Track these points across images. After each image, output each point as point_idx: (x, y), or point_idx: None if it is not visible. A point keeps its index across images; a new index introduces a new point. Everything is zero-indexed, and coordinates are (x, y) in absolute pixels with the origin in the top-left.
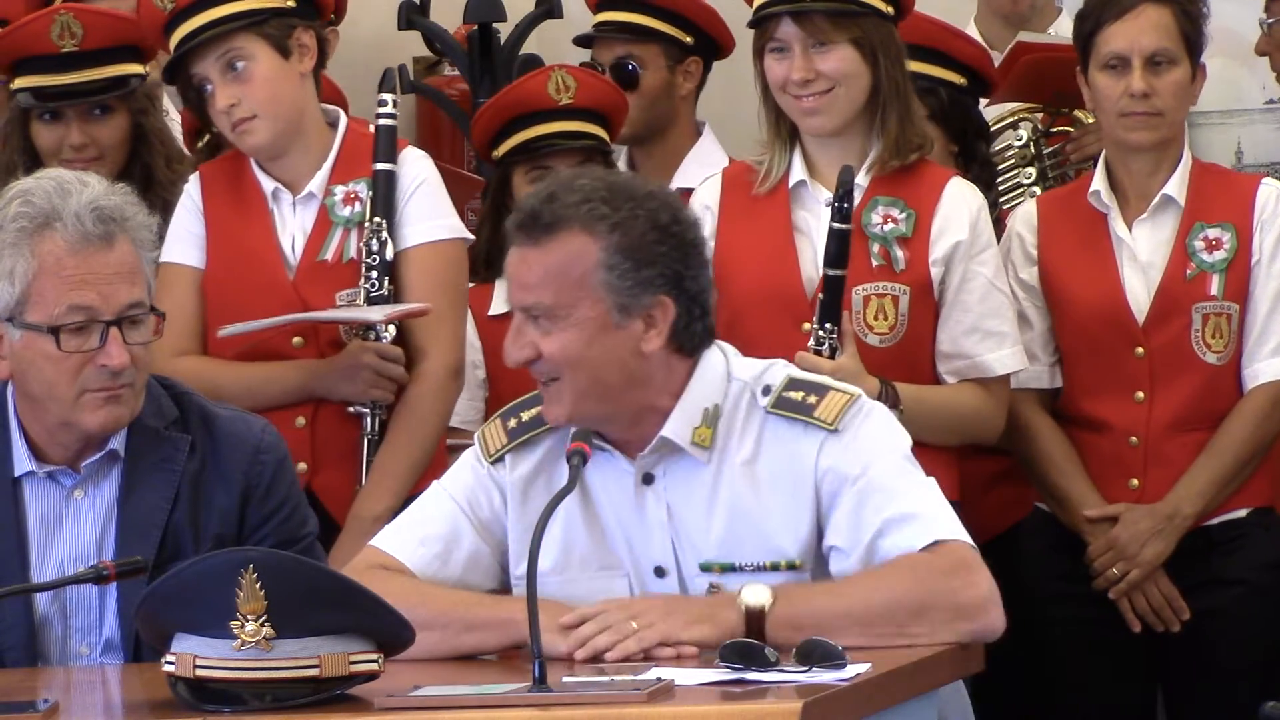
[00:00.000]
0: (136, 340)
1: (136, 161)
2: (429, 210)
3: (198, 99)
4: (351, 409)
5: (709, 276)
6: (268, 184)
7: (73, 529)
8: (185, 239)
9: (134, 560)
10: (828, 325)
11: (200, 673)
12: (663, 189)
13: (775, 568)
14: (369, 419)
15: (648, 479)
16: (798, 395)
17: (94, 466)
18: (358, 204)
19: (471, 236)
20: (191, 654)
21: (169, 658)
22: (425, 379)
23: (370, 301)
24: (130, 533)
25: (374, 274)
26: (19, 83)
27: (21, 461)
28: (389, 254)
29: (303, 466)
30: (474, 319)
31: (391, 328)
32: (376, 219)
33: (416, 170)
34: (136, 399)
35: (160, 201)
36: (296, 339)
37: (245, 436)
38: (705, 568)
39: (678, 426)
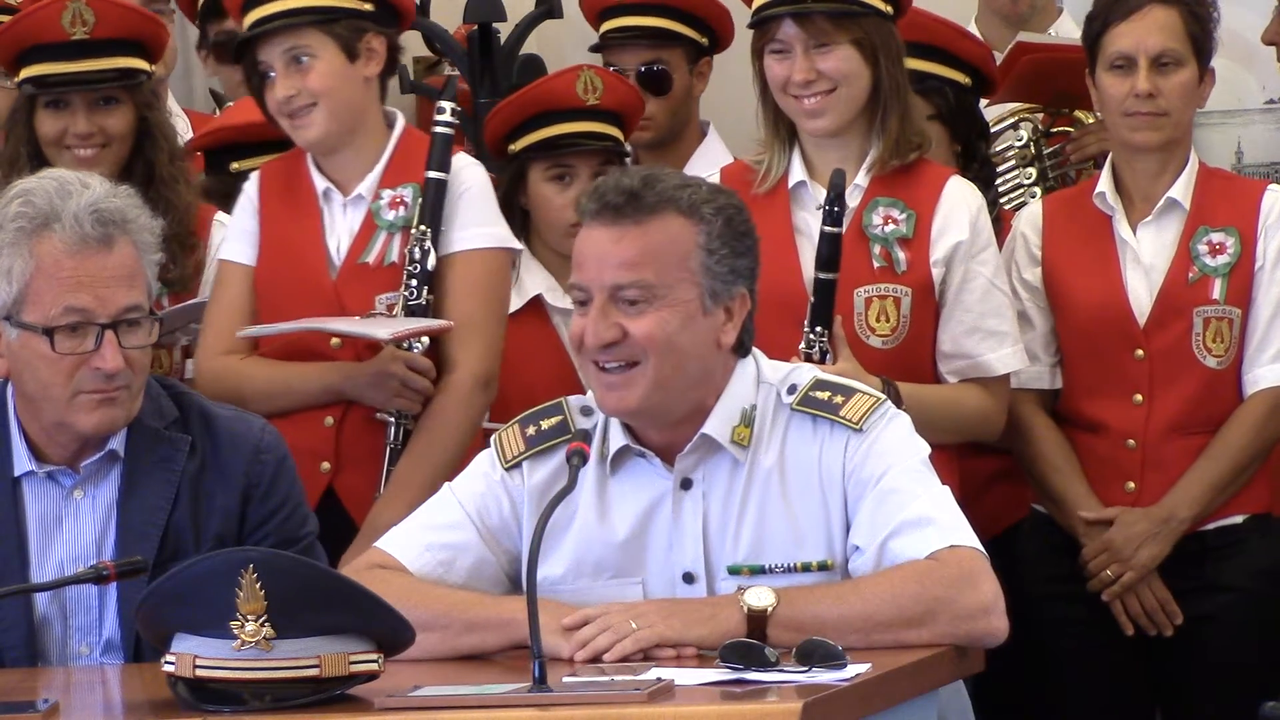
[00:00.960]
0: (133, 344)
1: (140, 158)
2: (476, 218)
3: (259, 84)
4: (378, 415)
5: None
6: (320, 183)
7: (72, 529)
8: (240, 237)
9: (134, 560)
10: (818, 329)
11: (200, 673)
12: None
13: (806, 569)
14: (393, 427)
15: (686, 484)
16: (824, 395)
17: (94, 466)
18: (403, 209)
19: (520, 246)
20: (191, 654)
21: (169, 658)
22: (452, 390)
23: (408, 310)
24: (130, 533)
25: (414, 283)
26: (26, 71)
27: (21, 461)
28: (431, 263)
29: (326, 466)
30: None
31: (425, 338)
32: (422, 227)
33: (466, 177)
34: (133, 401)
35: (161, 199)
36: (335, 340)
37: (245, 436)
38: (734, 571)
39: (718, 425)
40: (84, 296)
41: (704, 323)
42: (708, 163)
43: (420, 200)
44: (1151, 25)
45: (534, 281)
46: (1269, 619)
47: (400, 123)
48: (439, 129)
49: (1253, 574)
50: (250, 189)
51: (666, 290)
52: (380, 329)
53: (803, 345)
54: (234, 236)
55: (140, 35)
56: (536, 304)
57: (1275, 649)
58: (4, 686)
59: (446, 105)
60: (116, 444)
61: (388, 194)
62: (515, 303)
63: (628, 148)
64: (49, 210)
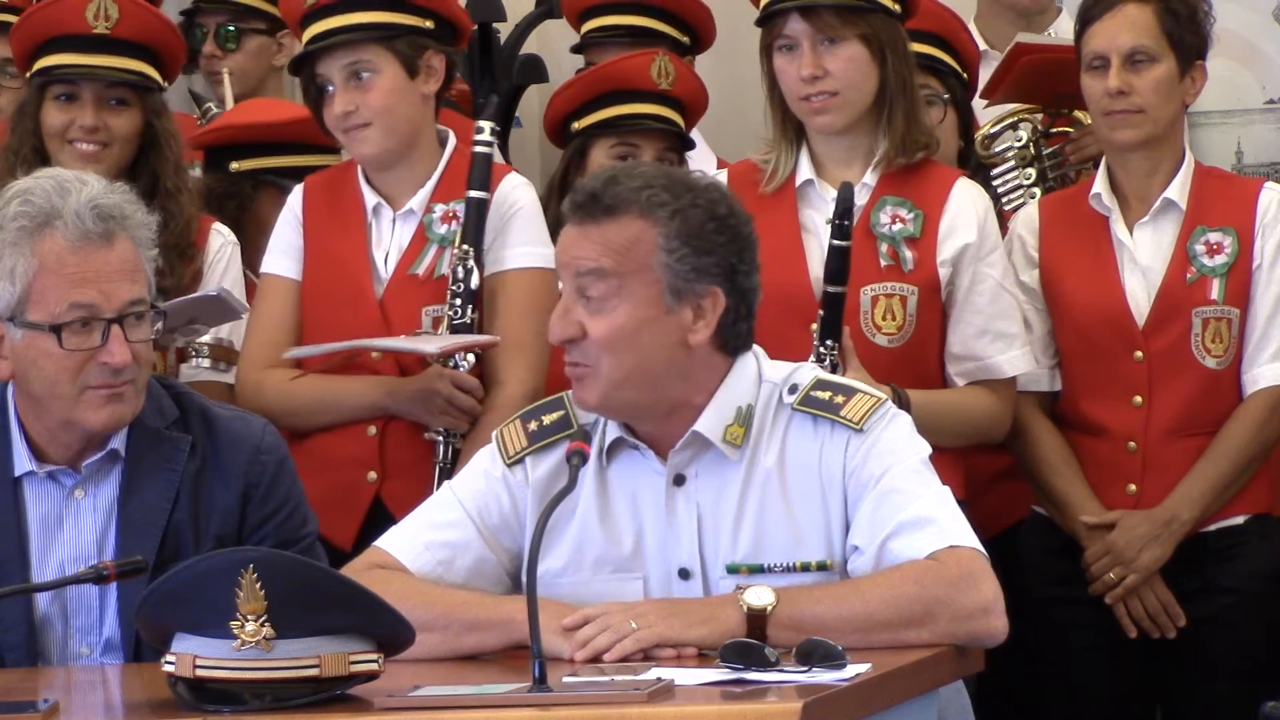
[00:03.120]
0: (138, 338)
1: (145, 167)
2: (526, 237)
3: (317, 96)
4: (426, 435)
5: (758, 279)
6: (370, 199)
7: (73, 529)
8: (284, 250)
9: (134, 560)
10: (829, 342)
11: (200, 673)
12: (718, 182)
13: (805, 568)
14: (442, 446)
15: (679, 480)
16: (825, 395)
17: (95, 466)
18: (455, 223)
19: None
20: (191, 654)
21: (169, 658)
22: (499, 409)
23: (453, 328)
24: (130, 533)
25: (458, 302)
26: (42, 62)
27: (22, 461)
28: (474, 283)
29: (373, 476)
30: None
31: (471, 355)
32: (465, 246)
33: (516, 196)
34: (139, 396)
35: (164, 210)
36: (375, 352)
37: (245, 436)
38: (732, 569)
39: (710, 423)
40: (89, 292)
41: (666, 321)
42: (691, 162)
43: (464, 220)
44: (1123, 23)
45: None
46: (1271, 620)
47: (452, 140)
48: (478, 149)
49: (1254, 576)
50: (294, 202)
51: (624, 288)
52: (427, 345)
53: (812, 358)
54: (278, 250)
55: (159, 44)
56: None
57: (1276, 650)
58: (4, 686)
59: (485, 125)
60: (117, 443)
61: (440, 208)
62: None
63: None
64: (49, 208)
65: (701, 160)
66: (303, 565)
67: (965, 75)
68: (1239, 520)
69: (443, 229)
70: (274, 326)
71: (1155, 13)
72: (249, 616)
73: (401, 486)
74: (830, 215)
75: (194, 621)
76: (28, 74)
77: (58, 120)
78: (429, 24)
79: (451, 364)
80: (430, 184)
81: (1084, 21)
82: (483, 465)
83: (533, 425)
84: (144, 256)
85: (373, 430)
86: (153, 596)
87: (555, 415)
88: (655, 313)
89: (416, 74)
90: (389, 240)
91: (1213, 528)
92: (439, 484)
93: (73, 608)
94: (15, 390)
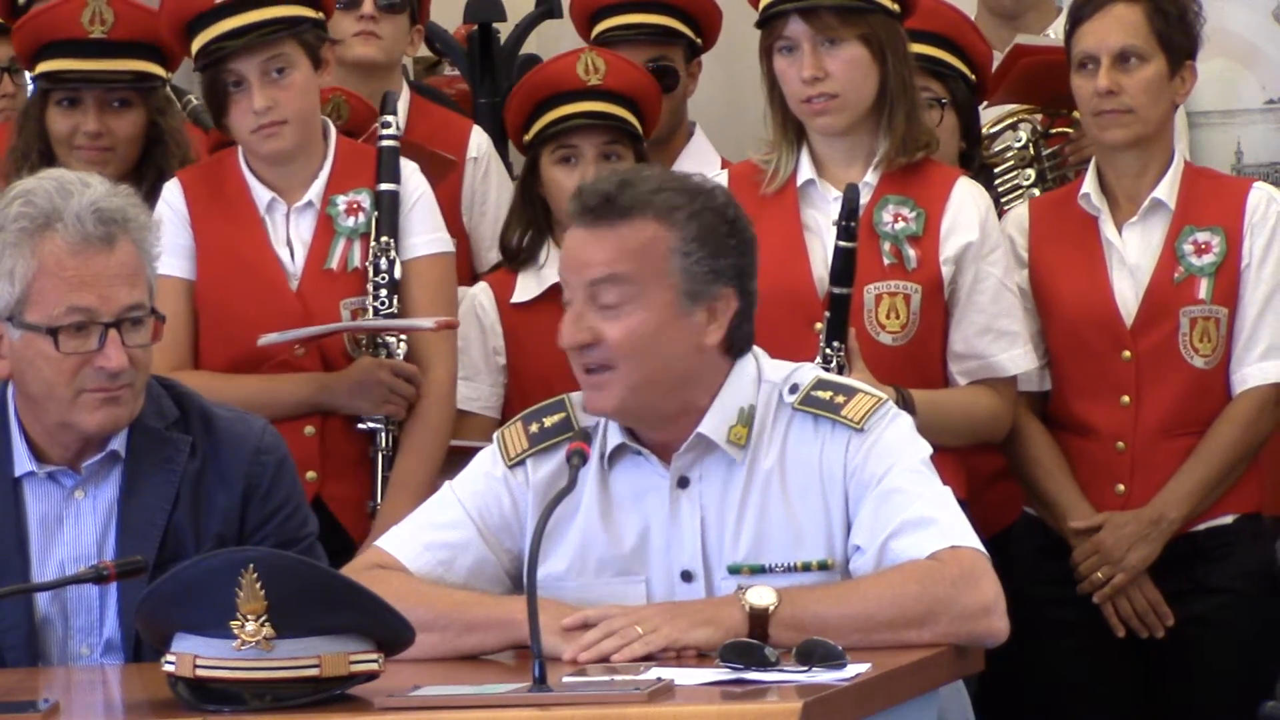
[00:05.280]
0: (136, 342)
1: (150, 164)
2: (429, 223)
3: (223, 95)
4: (361, 426)
5: (756, 282)
6: (263, 194)
7: (73, 529)
8: (170, 250)
9: (134, 560)
10: (835, 344)
11: (200, 673)
12: (721, 185)
13: (806, 568)
14: (382, 435)
15: (683, 482)
16: (826, 394)
17: (95, 467)
18: (361, 215)
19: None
20: (192, 654)
21: (169, 658)
22: (433, 390)
23: (378, 318)
24: (131, 533)
25: (383, 292)
26: (43, 67)
27: (22, 462)
28: (397, 273)
29: (312, 475)
30: (497, 306)
31: (404, 345)
32: (384, 239)
33: (414, 184)
34: (135, 400)
35: None
36: (299, 349)
37: (246, 436)
38: (734, 570)
39: (715, 424)
40: (87, 295)
41: (683, 325)
42: (695, 162)
43: (376, 210)
44: (1113, 23)
45: (555, 270)
46: (1260, 620)
47: (332, 130)
48: (385, 142)
49: (1243, 575)
50: (174, 201)
51: (641, 293)
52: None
53: (819, 359)
54: (163, 250)
55: (158, 40)
56: (556, 292)
57: (1266, 650)
58: (5, 686)
59: (391, 119)
60: (117, 444)
61: (342, 200)
62: (534, 290)
63: (642, 132)
64: (50, 210)
65: (704, 160)
66: (303, 565)
67: (974, 77)
68: (1228, 520)
69: (349, 221)
70: (169, 329)
71: (1145, 13)
72: (249, 616)
73: (341, 486)
74: (832, 214)
75: (194, 621)
76: (31, 76)
77: (62, 126)
78: (320, 15)
79: (385, 353)
80: (324, 176)
81: (1074, 21)
82: (483, 466)
83: (534, 427)
84: (146, 259)
85: (310, 430)
86: (152, 596)
87: (556, 417)
88: (672, 316)
89: (319, 65)
90: (287, 233)
91: (1202, 527)
92: (384, 472)
93: (73, 608)
94: (15, 391)
